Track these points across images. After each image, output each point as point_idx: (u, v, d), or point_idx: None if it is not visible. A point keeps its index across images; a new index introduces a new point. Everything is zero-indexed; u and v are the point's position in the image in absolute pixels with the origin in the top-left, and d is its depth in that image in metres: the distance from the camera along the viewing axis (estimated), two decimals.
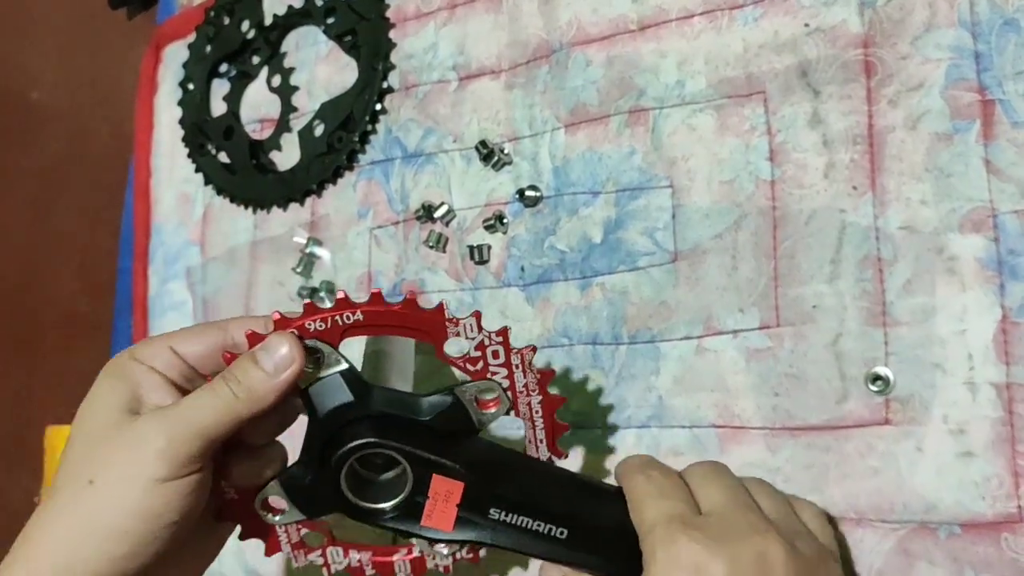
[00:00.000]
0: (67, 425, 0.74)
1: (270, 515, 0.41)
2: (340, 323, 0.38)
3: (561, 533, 0.39)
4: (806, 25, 0.45)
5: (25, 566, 0.36)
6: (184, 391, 0.39)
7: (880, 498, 0.41)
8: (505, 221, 0.53)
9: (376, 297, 0.37)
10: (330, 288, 0.59)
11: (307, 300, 0.38)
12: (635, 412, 0.47)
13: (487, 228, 0.53)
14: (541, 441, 0.41)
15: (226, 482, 0.40)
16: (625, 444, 0.47)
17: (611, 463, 0.48)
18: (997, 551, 0.38)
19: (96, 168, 0.83)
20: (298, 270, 0.60)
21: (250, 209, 0.65)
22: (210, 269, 0.66)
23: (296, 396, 0.39)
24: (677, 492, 0.37)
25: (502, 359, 0.38)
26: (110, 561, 0.35)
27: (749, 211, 0.45)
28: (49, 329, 0.84)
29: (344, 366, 0.39)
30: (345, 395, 0.38)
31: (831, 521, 0.41)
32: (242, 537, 0.42)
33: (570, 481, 0.40)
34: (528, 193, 0.51)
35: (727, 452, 0.44)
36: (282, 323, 0.38)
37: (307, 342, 0.38)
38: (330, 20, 0.62)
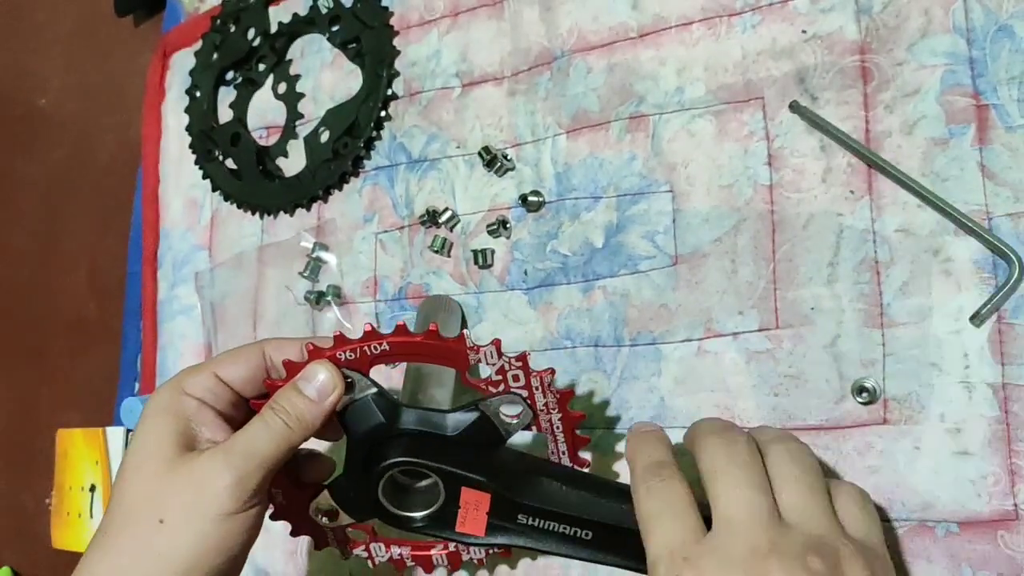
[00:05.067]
0: (77, 428, 0.75)
1: (324, 519, 0.44)
2: (368, 353, 0.40)
3: (586, 535, 0.40)
4: (804, 32, 0.45)
5: None
6: (230, 419, 0.41)
7: (878, 496, 0.41)
8: (508, 226, 0.53)
9: (400, 329, 0.39)
10: (337, 292, 0.60)
11: (336, 332, 0.40)
12: (637, 413, 0.48)
13: (490, 233, 0.53)
14: (564, 453, 0.43)
15: (274, 488, 0.43)
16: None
17: (614, 463, 0.49)
18: (994, 548, 0.39)
19: (103, 174, 0.84)
20: (305, 274, 0.61)
21: (257, 214, 0.65)
22: (218, 274, 0.67)
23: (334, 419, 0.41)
24: (678, 508, 0.35)
25: (522, 381, 0.40)
26: None
27: (748, 215, 0.46)
28: (58, 333, 0.85)
29: (374, 390, 0.41)
30: (377, 417, 0.41)
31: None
32: (293, 534, 0.45)
33: (593, 485, 0.41)
34: (531, 198, 0.52)
35: None
36: (315, 353, 0.40)
37: (342, 370, 0.40)
38: (335, 28, 0.63)
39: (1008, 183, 0.40)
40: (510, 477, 0.41)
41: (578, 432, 0.42)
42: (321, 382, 0.40)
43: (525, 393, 0.40)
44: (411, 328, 0.40)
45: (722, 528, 0.34)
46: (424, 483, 0.42)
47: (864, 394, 0.42)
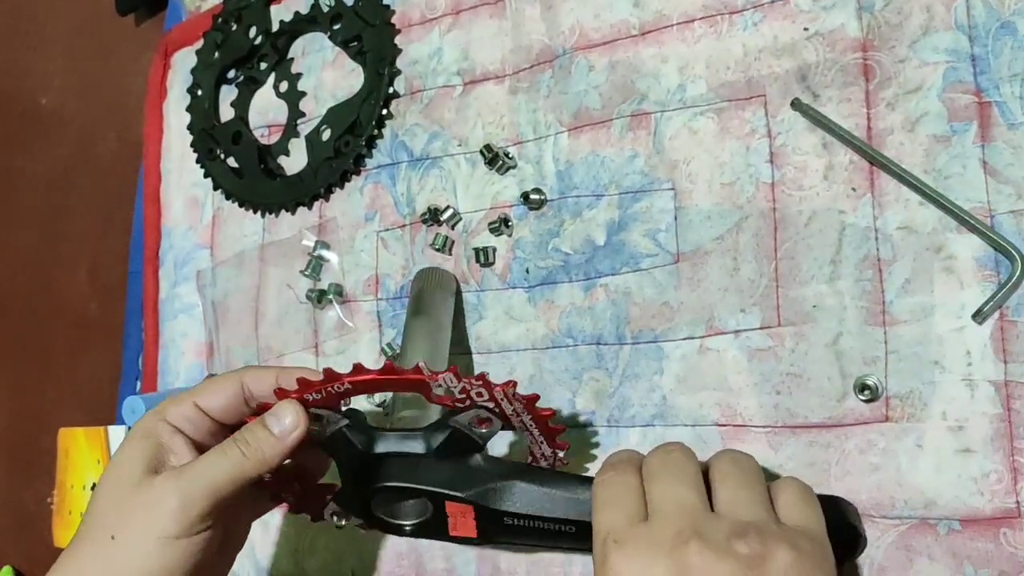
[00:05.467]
0: (79, 427, 0.75)
1: (337, 520, 0.47)
2: (333, 391, 0.42)
3: (570, 529, 0.41)
4: (805, 29, 0.45)
5: None
6: (206, 447, 0.42)
7: (880, 494, 0.41)
8: (510, 224, 0.53)
9: (358, 368, 0.41)
10: (338, 291, 0.60)
11: (300, 376, 0.42)
12: (639, 411, 0.48)
13: (492, 231, 0.53)
14: (542, 442, 0.44)
15: (284, 493, 0.47)
16: (629, 443, 0.48)
17: None
18: (996, 546, 0.39)
19: (105, 173, 0.84)
20: (306, 273, 0.61)
21: (258, 213, 0.65)
22: (219, 272, 0.67)
23: (318, 448, 0.44)
24: (625, 498, 0.37)
25: (487, 396, 0.41)
26: None
27: (750, 213, 0.46)
28: (60, 332, 0.85)
29: (345, 422, 0.43)
30: (353, 446, 0.43)
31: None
32: (313, 520, 0.48)
33: (568, 483, 0.42)
34: (532, 196, 0.52)
35: None
36: (282, 394, 0.42)
37: (311, 410, 0.42)
38: (336, 26, 0.63)
39: (1010, 180, 0.40)
40: (488, 486, 0.42)
41: (551, 423, 0.43)
42: (288, 422, 0.41)
43: (492, 404, 0.41)
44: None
45: (654, 517, 0.36)
46: (412, 498, 0.44)
47: (866, 392, 0.42)
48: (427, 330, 0.50)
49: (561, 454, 0.45)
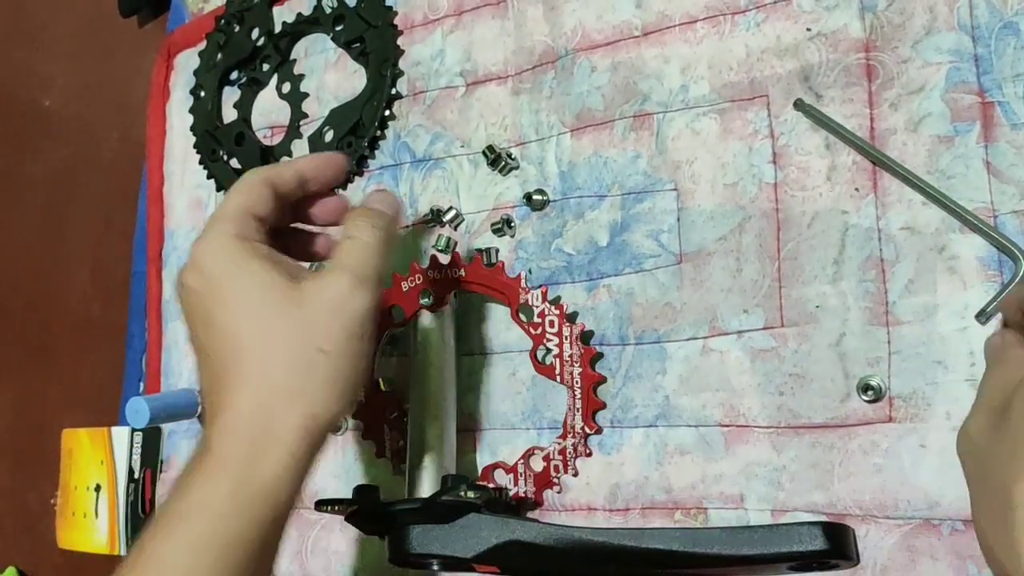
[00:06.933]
0: (82, 428, 0.75)
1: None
2: (450, 276, 0.51)
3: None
4: (808, 30, 0.45)
5: None
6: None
7: (884, 495, 0.41)
8: (512, 224, 0.53)
9: (477, 260, 0.51)
10: None
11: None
12: (642, 411, 0.48)
13: (495, 232, 0.53)
14: (578, 410, 0.48)
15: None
16: (632, 443, 0.48)
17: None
18: None
19: (108, 174, 0.84)
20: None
21: None
22: None
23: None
24: None
25: (556, 328, 0.47)
26: None
27: (753, 213, 0.46)
28: (63, 333, 0.85)
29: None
30: (377, 527, 0.47)
31: None
32: (364, 437, 0.55)
33: (564, 538, 0.43)
34: (535, 197, 0.52)
35: (733, 451, 0.45)
36: (414, 269, 0.51)
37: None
38: (339, 27, 0.63)
39: (1013, 180, 0.40)
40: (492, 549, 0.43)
41: (595, 395, 0.46)
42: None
43: (556, 340, 0.47)
44: None
45: None
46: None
47: (869, 392, 0.42)
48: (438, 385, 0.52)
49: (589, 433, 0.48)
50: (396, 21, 0.60)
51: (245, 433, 0.36)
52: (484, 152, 0.54)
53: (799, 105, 0.45)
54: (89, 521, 0.74)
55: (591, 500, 0.49)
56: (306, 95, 0.65)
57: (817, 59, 0.45)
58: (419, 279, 0.52)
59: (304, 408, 0.37)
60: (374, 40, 0.61)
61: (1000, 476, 0.31)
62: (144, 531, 0.36)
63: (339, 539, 0.57)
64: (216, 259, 0.40)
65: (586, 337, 0.49)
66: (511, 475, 0.51)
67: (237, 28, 0.68)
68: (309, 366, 0.37)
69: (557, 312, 0.48)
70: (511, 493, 0.50)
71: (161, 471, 0.69)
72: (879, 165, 0.43)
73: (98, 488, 0.74)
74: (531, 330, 0.48)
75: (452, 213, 0.55)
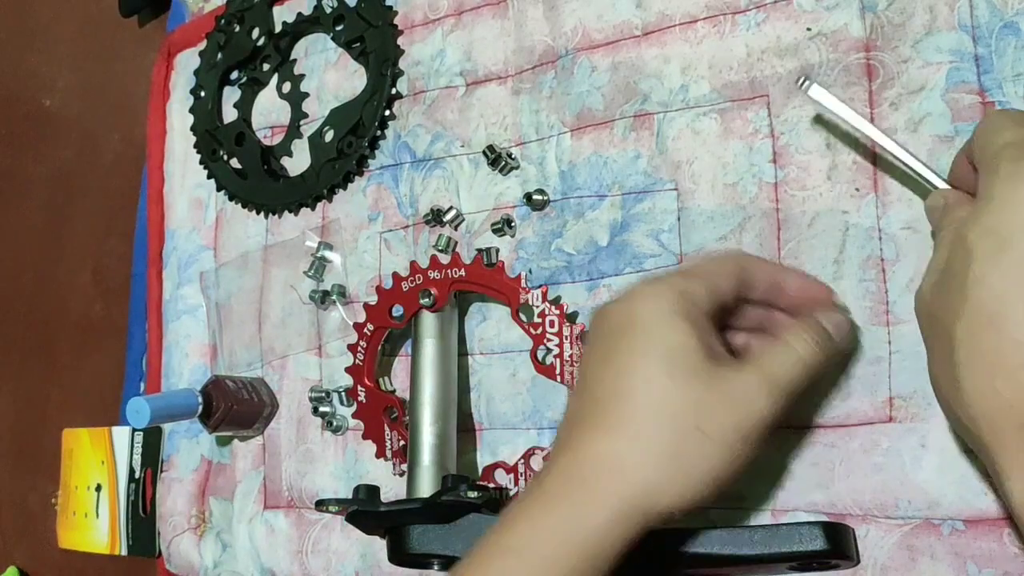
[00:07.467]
0: (83, 428, 0.75)
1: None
2: (450, 276, 0.51)
3: None
4: (808, 29, 0.45)
5: None
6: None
7: (884, 494, 0.41)
8: (513, 224, 0.53)
9: (477, 260, 0.51)
10: (341, 291, 0.60)
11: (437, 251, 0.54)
12: None
13: (495, 231, 0.53)
14: None
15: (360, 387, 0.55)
16: None
17: None
18: (1000, 546, 0.38)
19: (108, 174, 0.84)
20: (309, 274, 0.61)
21: (262, 214, 0.65)
22: (223, 273, 0.67)
23: None
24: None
25: (556, 328, 0.48)
26: None
27: (753, 213, 0.46)
28: (64, 333, 0.85)
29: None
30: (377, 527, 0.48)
31: None
32: (364, 437, 0.56)
33: None
34: (535, 197, 0.52)
35: None
36: (414, 269, 0.52)
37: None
38: (339, 27, 0.63)
39: None
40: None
41: None
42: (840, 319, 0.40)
43: (556, 340, 0.48)
44: None
45: None
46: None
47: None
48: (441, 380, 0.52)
49: None
50: (396, 21, 0.60)
51: (577, 478, 0.35)
52: (484, 152, 0.54)
53: (803, 83, 0.41)
54: (90, 521, 0.74)
55: None
56: (306, 95, 0.65)
57: (817, 59, 0.45)
58: (419, 279, 0.52)
59: (649, 477, 0.35)
60: (374, 40, 0.61)
61: (944, 323, 0.32)
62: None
63: (339, 539, 0.57)
64: (649, 303, 0.37)
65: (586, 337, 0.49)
66: (511, 475, 0.51)
67: (237, 28, 0.68)
68: (681, 440, 0.35)
69: (557, 312, 0.48)
70: (511, 493, 0.50)
71: (161, 471, 0.69)
72: (878, 149, 0.42)
73: (99, 488, 0.74)
74: (531, 330, 0.49)
75: (452, 213, 0.55)
